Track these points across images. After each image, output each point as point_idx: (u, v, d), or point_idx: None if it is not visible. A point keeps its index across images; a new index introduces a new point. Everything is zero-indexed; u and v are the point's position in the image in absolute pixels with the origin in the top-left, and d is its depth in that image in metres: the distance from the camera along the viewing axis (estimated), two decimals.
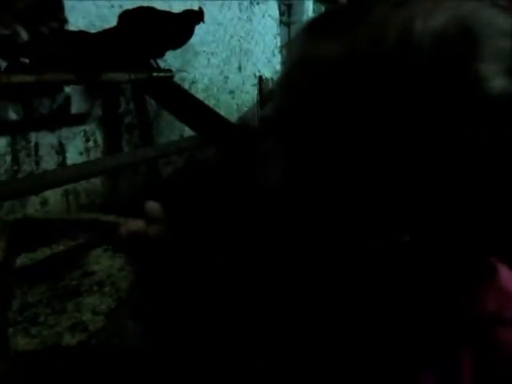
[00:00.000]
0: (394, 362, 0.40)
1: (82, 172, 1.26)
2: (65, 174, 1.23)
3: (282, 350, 0.43)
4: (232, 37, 2.70)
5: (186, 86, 2.33)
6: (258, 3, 3.07)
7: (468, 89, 0.35)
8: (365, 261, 0.40)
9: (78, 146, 1.93)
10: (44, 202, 1.88)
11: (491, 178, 0.38)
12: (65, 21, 1.44)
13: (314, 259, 0.43)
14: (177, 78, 2.18)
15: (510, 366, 0.39)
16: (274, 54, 3.33)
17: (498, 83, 0.35)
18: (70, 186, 1.91)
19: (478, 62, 0.35)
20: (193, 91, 2.31)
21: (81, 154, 1.95)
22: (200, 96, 2.29)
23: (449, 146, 0.36)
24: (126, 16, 1.79)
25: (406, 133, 0.36)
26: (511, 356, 0.39)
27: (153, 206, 0.46)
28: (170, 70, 2.01)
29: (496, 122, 0.36)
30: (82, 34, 1.64)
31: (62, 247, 1.85)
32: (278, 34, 3.39)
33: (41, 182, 1.23)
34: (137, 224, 0.44)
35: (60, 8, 1.42)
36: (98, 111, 1.95)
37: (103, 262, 1.75)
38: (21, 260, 1.67)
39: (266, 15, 3.19)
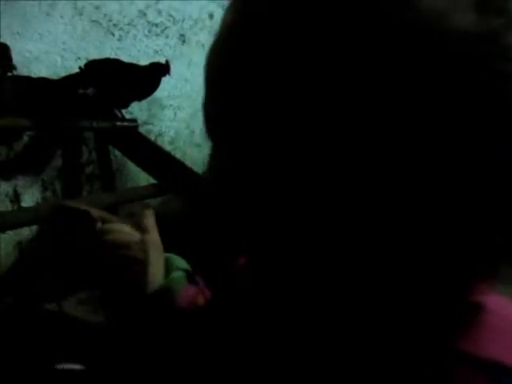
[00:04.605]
0: None
1: (32, 215, 1.18)
2: (17, 217, 1.15)
3: None
4: (199, 93, 2.73)
5: (152, 138, 2.31)
6: None
7: None
8: None
9: (35, 195, 1.85)
10: None
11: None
12: (12, 67, 1.42)
13: None
14: (143, 131, 2.16)
15: None
16: None
17: None
18: (23, 238, 1.79)
19: None
20: (159, 144, 2.29)
21: (38, 203, 1.86)
22: (166, 149, 2.26)
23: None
24: (90, 65, 1.79)
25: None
26: None
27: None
28: (134, 120, 1.99)
29: None
30: (42, 79, 1.61)
31: None
32: None
33: None
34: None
35: (7, 55, 1.41)
36: (58, 160, 1.89)
37: None
38: None
39: None
